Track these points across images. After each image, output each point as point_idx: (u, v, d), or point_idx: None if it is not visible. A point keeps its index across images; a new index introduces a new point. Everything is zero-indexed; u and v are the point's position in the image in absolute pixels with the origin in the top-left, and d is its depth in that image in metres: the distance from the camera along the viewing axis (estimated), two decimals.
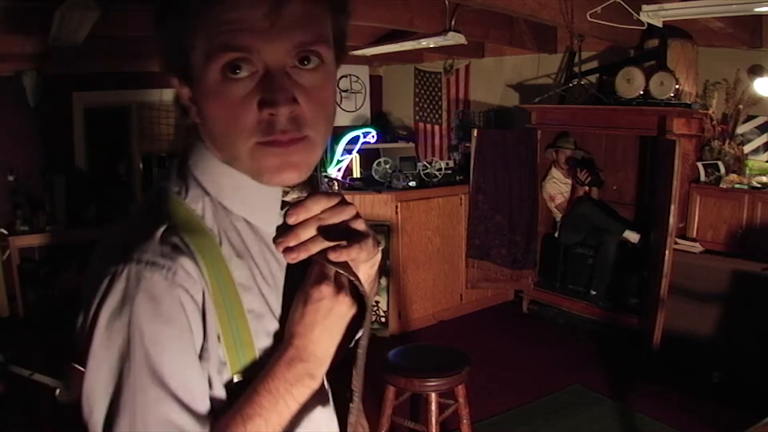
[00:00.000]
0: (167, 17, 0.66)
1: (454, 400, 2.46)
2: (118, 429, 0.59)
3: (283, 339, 0.69)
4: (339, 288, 0.66)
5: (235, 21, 0.61)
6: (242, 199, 0.71)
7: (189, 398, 0.62)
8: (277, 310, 0.71)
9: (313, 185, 0.74)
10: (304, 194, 0.72)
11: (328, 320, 0.66)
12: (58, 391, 3.12)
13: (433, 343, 3.30)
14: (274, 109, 0.63)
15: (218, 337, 0.65)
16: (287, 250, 0.67)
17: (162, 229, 0.64)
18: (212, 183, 0.70)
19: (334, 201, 0.68)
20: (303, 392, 0.67)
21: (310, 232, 0.67)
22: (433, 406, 2.33)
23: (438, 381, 2.31)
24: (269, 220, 0.72)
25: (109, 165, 5.47)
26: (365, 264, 0.71)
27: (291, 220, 0.67)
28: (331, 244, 0.66)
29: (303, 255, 0.66)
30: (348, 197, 0.84)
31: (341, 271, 0.67)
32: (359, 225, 0.69)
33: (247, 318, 0.68)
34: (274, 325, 0.70)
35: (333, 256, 0.65)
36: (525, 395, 3.26)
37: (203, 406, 0.64)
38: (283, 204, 0.72)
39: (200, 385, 0.64)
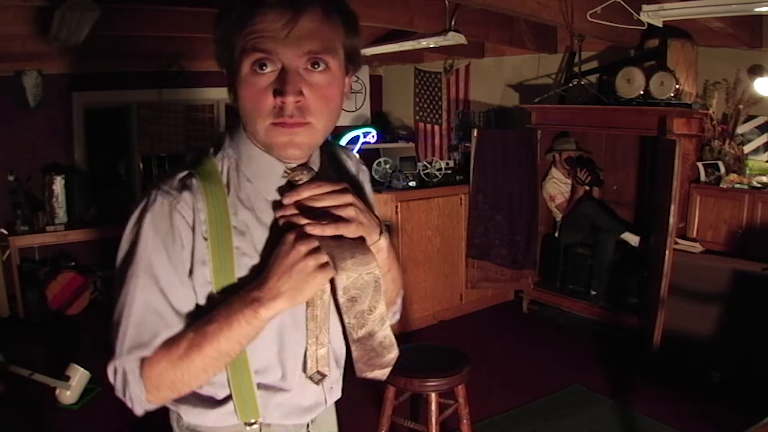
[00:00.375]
0: (220, 23, 0.88)
1: (454, 400, 2.46)
2: (119, 298, 0.86)
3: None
4: (300, 240, 0.82)
5: (262, 30, 0.82)
6: (253, 166, 0.92)
7: (171, 294, 0.86)
8: (263, 252, 0.89)
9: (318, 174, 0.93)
10: (305, 178, 0.90)
11: (285, 262, 0.82)
12: (58, 391, 3.12)
13: (433, 343, 3.30)
14: (283, 98, 0.83)
15: (204, 261, 0.87)
16: (281, 218, 0.88)
17: (184, 173, 0.89)
18: (236, 149, 0.93)
19: (323, 190, 0.87)
20: (252, 315, 0.82)
21: (293, 210, 0.86)
22: (433, 406, 2.33)
23: (438, 381, 2.31)
24: (267, 187, 0.92)
25: (109, 165, 5.47)
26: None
27: (285, 201, 0.87)
28: (306, 221, 0.84)
29: (290, 223, 0.86)
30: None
31: (317, 240, 0.83)
32: (344, 212, 0.86)
33: (233, 253, 0.88)
34: (255, 261, 0.89)
35: (308, 229, 0.83)
36: (525, 395, 3.26)
37: (184, 305, 0.87)
38: (291, 185, 0.90)
39: (183, 288, 0.87)
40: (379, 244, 0.92)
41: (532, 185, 4.51)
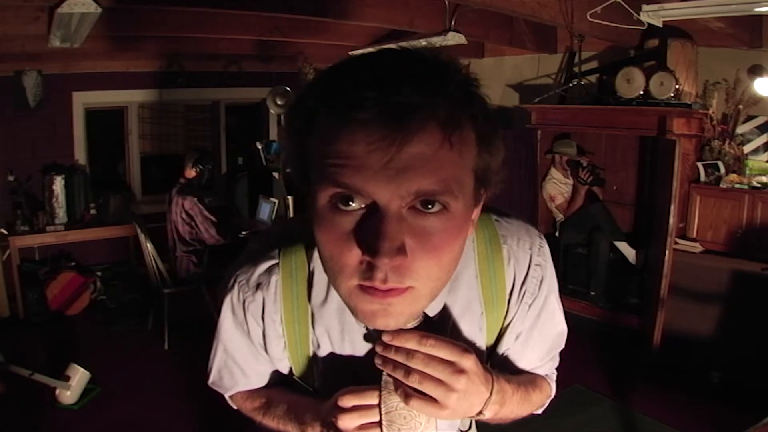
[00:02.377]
0: (292, 122, 0.63)
1: None
2: (211, 357, 0.89)
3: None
4: (342, 412, 0.69)
5: (346, 155, 0.55)
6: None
7: (246, 366, 0.86)
8: (343, 368, 0.78)
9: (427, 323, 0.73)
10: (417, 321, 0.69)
11: (322, 420, 0.74)
12: (58, 391, 3.12)
13: None
14: (375, 258, 0.56)
15: (281, 359, 0.82)
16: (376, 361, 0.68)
17: (268, 265, 0.78)
18: None
19: (428, 350, 0.64)
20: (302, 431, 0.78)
21: (400, 357, 0.65)
22: None
23: None
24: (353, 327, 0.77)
25: (109, 165, 5.47)
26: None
27: (385, 339, 0.66)
28: (404, 381, 0.65)
29: (388, 370, 0.67)
30: None
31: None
32: (440, 393, 0.64)
33: (311, 361, 0.80)
34: (333, 373, 0.79)
35: (400, 394, 0.66)
36: None
37: (262, 371, 0.86)
38: None
39: (258, 365, 0.85)
40: (479, 418, 0.72)
41: (532, 185, 4.51)
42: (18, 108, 4.59)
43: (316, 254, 0.76)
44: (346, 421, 0.67)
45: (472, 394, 0.66)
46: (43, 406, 3.11)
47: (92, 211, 4.84)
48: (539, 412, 0.92)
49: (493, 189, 0.67)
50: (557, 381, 0.95)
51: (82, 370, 3.14)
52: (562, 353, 0.94)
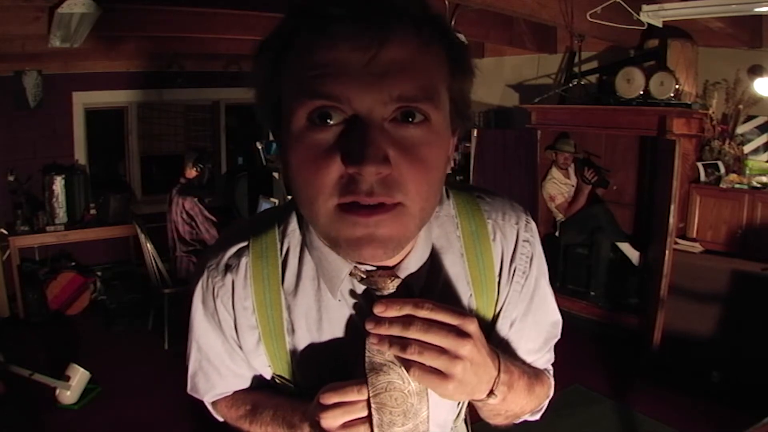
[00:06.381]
0: (263, 50, 0.62)
1: None
2: (187, 360, 0.82)
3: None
4: (328, 410, 0.65)
5: (327, 63, 0.55)
6: (315, 257, 0.71)
7: (220, 364, 0.79)
8: (325, 354, 0.72)
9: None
10: (390, 288, 0.65)
11: (311, 420, 0.70)
12: (58, 391, 3.12)
13: None
14: (358, 168, 0.54)
15: (257, 352, 0.75)
16: (371, 343, 0.63)
17: (237, 247, 0.74)
18: (304, 229, 0.72)
19: (429, 314, 0.59)
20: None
21: (395, 330, 0.60)
22: None
23: None
24: (332, 287, 0.70)
25: (109, 165, 5.47)
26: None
27: (378, 310, 0.61)
28: (403, 356, 0.60)
29: (384, 349, 0.62)
30: None
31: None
32: (445, 365, 0.58)
33: (287, 350, 0.73)
34: (313, 362, 0.73)
35: (403, 366, 0.61)
36: None
37: (237, 370, 0.79)
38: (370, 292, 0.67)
39: (233, 362, 0.78)
40: (489, 403, 0.66)
41: (532, 185, 4.51)
42: (18, 108, 4.59)
43: (290, 229, 0.73)
44: (329, 420, 0.63)
45: (479, 366, 0.61)
46: (43, 406, 3.11)
47: (92, 211, 4.84)
48: (537, 417, 0.88)
49: (467, 125, 0.66)
50: (556, 381, 0.93)
51: (82, 370, 3.14)
52: (561, 353, 0.92)
